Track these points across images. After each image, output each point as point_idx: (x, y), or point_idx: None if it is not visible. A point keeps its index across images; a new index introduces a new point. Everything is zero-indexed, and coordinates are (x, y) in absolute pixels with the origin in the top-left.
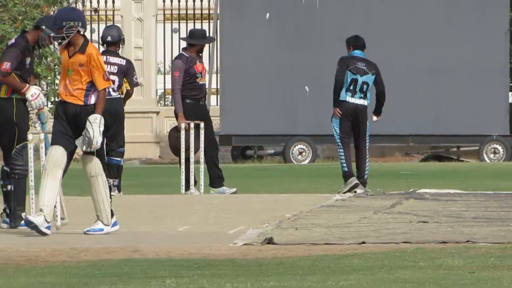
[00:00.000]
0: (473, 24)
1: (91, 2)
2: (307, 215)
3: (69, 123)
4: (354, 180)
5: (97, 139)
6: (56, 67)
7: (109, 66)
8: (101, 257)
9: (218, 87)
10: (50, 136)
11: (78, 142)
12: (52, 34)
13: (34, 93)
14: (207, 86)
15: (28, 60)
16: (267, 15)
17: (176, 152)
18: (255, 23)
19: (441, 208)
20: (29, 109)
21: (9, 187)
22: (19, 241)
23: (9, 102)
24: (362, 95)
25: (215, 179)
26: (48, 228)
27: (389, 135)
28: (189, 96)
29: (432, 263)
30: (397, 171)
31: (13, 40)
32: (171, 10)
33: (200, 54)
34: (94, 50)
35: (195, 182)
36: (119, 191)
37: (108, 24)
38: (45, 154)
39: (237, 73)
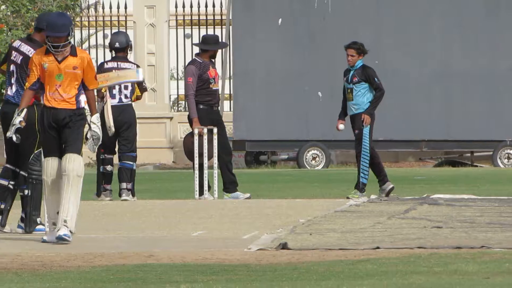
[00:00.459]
0: (485, 28)
1: (103, 8)
2: (321, 220)
3: (57, 129)
4: (390, 184)
5: (101, 138)
6: None
7: (119, 71)
8: (116, 262)
9: (231, 92)
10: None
11: (89, 145)
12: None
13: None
14: (220, 92)
15: None
16: (280, 20)
17: (191, 157)
18: (268, 29)
19: (455, 213)
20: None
21: (26, 192)
22: (34, 246)
23: (31, 109)
24: None
25: (229, 184)
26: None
27: (403, 141)
28: (202, 101)
29: (446, 268)
30: (411, 176)
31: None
32: (184, 15)
33: (213, 60)
34: (85, 52)
35: (209, 187)
36: (133, 195)
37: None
38: None
39: (250, 78)
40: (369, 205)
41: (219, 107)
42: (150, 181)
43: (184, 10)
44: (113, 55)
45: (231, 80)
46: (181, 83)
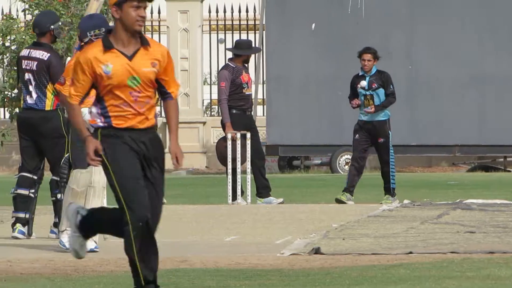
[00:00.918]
0: None
1: None
2: (354, 225)
3: None
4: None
5: None
6: None
7: None
8: None
9: (265, 97)
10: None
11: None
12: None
13: None
14: (253, 96)
15: None
16: (313, 25)
17: (224, 162)
18: (301, 34)
19: (488, 218)
20: None
21: (58, 195)
22: (67, 251)
23: (56, 113)
24: None
25: (262, 189)
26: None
27: (436, 145)
28: (235, 106)
29: (479, 273)
30: (444, 181)
31: (47, 57)
32: (217, 20)
33: (246, 65)
34: None
35: (242, 192)
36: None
37: (156, 35)
38: None
39: (283, 83)
40: (402, 210)
41: (252, 112)
42: (183, 186)
43: (217, 15)
44: None
45: (264, 85)
46: (214, 88)
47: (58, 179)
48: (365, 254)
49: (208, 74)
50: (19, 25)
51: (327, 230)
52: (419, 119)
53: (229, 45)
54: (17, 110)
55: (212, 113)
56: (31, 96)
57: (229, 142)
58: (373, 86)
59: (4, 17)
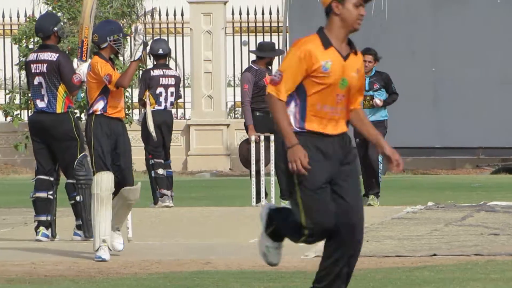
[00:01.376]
0: None
1: (160, 15)
2: (378, 227)
3: (112, 140)
4: None
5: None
6: None
7: (167, 78)
8: (173, 269)
9: None
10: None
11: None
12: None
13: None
14: None
15: None
16: None
17: (247, 164)
18: None
19: None
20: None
21: (77, 198)
22: (91, 253)
23: (67, 116)
24: None
25: (286, 191)
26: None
27: (460, 148)
28: (258, 108)
29: (503, 275)
30: (467, 183)
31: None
32: (240, 23)
33: (269, 67)
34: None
35: (266, 194)
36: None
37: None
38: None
39: None
40: (426, 212)
41: None
42: (207, 189)
43: (240, 17)
44: (154, 62)
45: None
46: (238, 90)
47: (74, 181)
48: (389, 256)
49: (232, 77)
50: None
51: None
52: (443, 121)
53: (253, 47)
54: None
55: (236, 116)
56: (42, 100)
57: (253, 145)
58: (375, 87)
59: (28, 19)
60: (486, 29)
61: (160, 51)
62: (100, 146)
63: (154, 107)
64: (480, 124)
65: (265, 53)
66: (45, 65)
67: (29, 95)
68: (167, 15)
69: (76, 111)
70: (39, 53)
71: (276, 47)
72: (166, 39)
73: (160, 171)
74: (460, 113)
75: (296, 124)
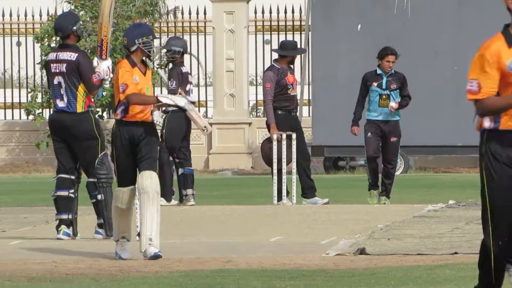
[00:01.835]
0: None
1: (182, 14)
2: (399, 226)
3: (131, 147)
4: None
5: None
6: None
7: (191, 76)
8: (194, 268)
9: (310, 98)
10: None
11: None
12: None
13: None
14: (298, 97)
15: None
16: (359, 26)
17: (269, 162)
18: (347, 34)
19: None
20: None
21: (99, 196)
22: (111, 251)
23: (87, 115)
24: None
25: (307, 190)
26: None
27: None
28: (280, 107)
29: None
30: None
31: (75, 57)
32: (263, 21)
33: (291, 66)
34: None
35: (287, 192)
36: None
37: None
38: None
39: (329, 84)
40: (447, 211)
41: (297, 113)
42: (228, 187)
43: (263, 16)
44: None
45: (310, 86)
46: (260, 89)
47: (95, 180)
48: (410, 254)
49: (254, 75)
50: None
51: (372, 231)
52: (465, 120)
53: (275, 46)
54: None
55: (258, 114)
56: (62, 100)
57: (274, 143)
58: (392, 87)
59: (50, 18)
60: None
61: (178, 48)
62: (120, 162)
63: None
64: None
65: (287, 51)
66: (64, 65)
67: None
68: (189, 13)
69: (98, 109)
70: (58, 53)
71: (298, 46)
72: (189, 38)
73: (180, 170)
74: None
75: (491, 124)
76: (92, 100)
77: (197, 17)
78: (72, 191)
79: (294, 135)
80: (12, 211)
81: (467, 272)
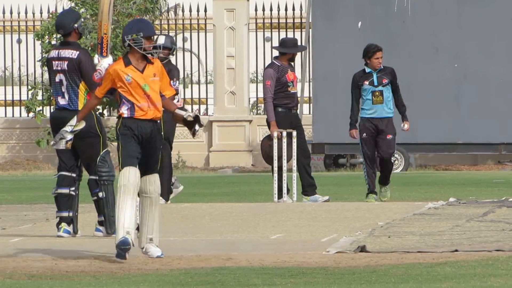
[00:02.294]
0: None
1: (183, 11)
2: (400, 223)
3: (140, 142)
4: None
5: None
6: None
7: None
8: (194, 265)
9: (311, 95)
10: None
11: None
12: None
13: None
14: (299, 95)
15: None
16: (359, 24)
17: (269, 160)
18: (348, 32)
19: None
20: None
21: (100, 194)
22: (112, 249)
23: (89, 113)
24: None
25: (308, 187)
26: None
27: (482, 144)
28: (281, 104)
29: None
30: (489, 179)
31: (76, 55)
32: (263, 19)
33: (292, 63)
34: (156, 59)
35: (288, 190)
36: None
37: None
38: None
39: (330, 81)
40: (447, 208)
41: (297, 110)
42: (229, 184)
43: (264, 13)
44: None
45: (311, 83)
46: (260, 86)
47: (97, 177)
48: (410, 252)
49: (254, 73)
50: None
51: (373, 228)
52: (465, 117)
53: (275, 43)
54: None
55: (258, 112)
56: (63, 97)
57: (275, 141)
58: (384, 82)
59: (50, 15)
60: (509, 25)
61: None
62: (129, 142)
63: None
64: (502, 120)
65: (287, 49)
66: (66, 63)
67: (51, 91)
68: (190, 11)
69: (98, 107)
70: (60, 50)
71: (299, 43)
72: (189, 35)
73: None
74: (482, 109)
75: None
76: None
77: (198, 15)
78: (73, 188)
79: (294, 133)
80: (13, 208)
81: (467, 270)
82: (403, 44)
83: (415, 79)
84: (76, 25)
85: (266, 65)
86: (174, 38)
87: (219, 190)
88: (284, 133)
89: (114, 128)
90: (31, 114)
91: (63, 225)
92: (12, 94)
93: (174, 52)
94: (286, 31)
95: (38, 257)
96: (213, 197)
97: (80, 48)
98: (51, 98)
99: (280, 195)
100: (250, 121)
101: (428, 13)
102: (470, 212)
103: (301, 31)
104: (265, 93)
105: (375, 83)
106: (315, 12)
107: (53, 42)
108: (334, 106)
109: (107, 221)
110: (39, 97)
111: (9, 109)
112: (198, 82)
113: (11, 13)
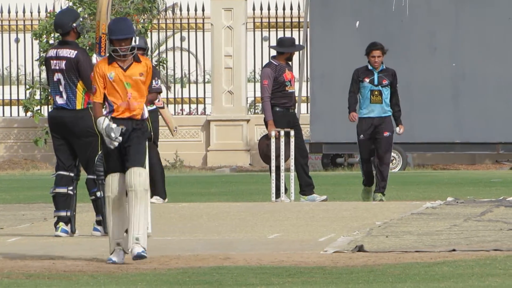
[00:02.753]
0: None
1: (180, 10)
2: (397, 223)
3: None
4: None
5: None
6: None
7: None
8: (192, 265)
9: (308, 95)
10: None
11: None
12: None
13: None
14: (296, 94)
15: None
16: (357, 23)
17: (267, 159)
18: (345, 31)
19: None
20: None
21: (98, 193)
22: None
23: (87, 112)
24: None
25: (305, 187)
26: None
27: (480, 143)
28: (278, 104)
29: None
30: (487, 178)
31: (74, 55)
32: (261, 18)
33: (289, 62)
34: (147, 59)
35: (286, 189)
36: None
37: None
38: None
39: (327, 81)
40: (445, 208)
41: (295, 110)
42: (226, 184)
43: (261, 13)
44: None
45: (308, 83)
46: (258, 86)
47: (95, 177)
48: (408, 251)
49: (252, 72)
50: None
51: (371, 228)
52: (463, 117)
53: (273, 42)
54: None
55: (256, 111)
56: (61, 96)
57: (272, 140)
58: (384, 82)
59: (48, 15)
60: (507, 25)
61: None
62: (109, 149)
63: (153, 105)
64: (500, 119)
65: (285, 48)
66: (64, 62)
67: (49, 90)
68: (188, 10)
69: None
70: (58, 50)
71: (296, 43)
72: (187, 34)
73: None
74: (480, 108)
75: None
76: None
77: (196, 14)
78: (71, 188)
79: (292, 132)
80: (10, 208)
81: (465, 269)
82: (401, 44)
83: (413, 78)
84: (74, 24)
85: (263, 64)
86: (172, 37)
87: (217, 189)
88: (282, 133)
89: None
90: (29, 114)
91: (61, 224)
92: (10, 94)
93: (148, 53)
94: (284, 31)
95: (36, 256)
96: (211, 197)
97: (78, 47)
98: (49, 97)
99: (278, 195)
100: (248, 121)
101: (426, 13)
102: (468, 211)
103: (299, 31)
104: (262, 92)
105: (375, 83)
106: (312, 11)
107: (51, 41)
108: (331, 105)
109: (104, 221)
110: (37, 97)
111: (7, 108)
112: (196, 82)
113: (9, 12)
